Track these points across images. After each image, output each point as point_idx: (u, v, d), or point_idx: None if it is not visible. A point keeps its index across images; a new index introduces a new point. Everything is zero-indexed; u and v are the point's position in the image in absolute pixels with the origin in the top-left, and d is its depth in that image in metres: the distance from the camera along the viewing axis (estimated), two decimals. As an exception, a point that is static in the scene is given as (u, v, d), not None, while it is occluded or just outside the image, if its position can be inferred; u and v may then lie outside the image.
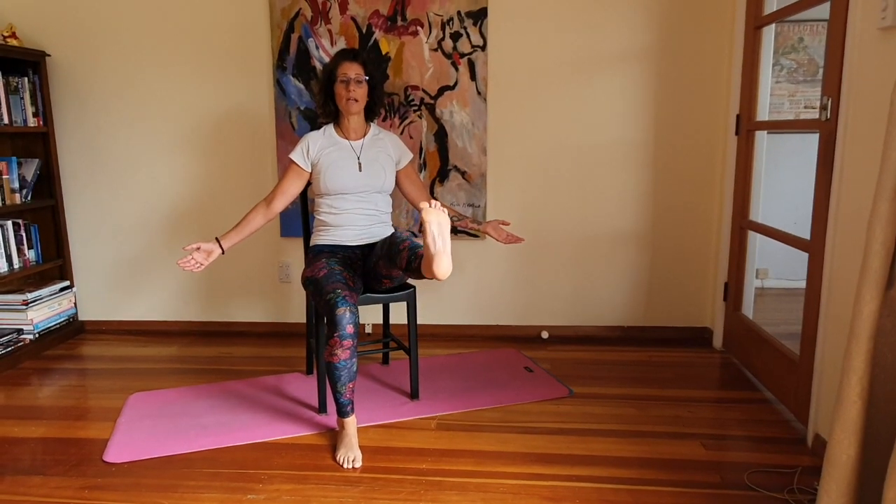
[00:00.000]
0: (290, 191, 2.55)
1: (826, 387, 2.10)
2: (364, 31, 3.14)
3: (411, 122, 3.20)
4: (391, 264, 2.28)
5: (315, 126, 3.21)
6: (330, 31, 3.15)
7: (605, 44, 3.11)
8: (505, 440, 2.28)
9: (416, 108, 3.18)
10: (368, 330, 3.44)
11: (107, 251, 3.49)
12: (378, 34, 3.14)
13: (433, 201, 2.03)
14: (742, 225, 2.92)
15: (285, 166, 2.54)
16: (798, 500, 1.90)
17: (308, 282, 2.35)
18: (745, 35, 2.85)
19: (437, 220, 1.98)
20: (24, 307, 3.15)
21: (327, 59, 3.15)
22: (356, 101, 2.48)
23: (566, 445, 2.24)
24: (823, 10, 3.96)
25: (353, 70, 2.47)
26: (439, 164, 3.23)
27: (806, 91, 4.23)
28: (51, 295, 3.32)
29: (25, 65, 3.19)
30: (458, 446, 2.24)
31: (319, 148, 2.52)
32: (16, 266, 3.19)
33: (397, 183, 2.66)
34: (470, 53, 3.13)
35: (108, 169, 3.40)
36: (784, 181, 4.34)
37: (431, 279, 2.09)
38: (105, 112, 3.34)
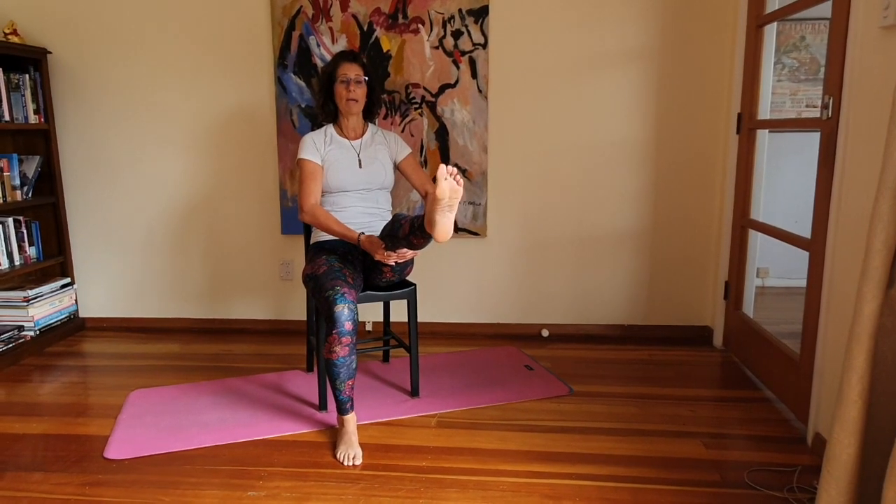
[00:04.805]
0: (320, 185, 2.52)
1: (826, 386, 2.10)
2: (365, 28, 3.14)
3: (412, 119, 3.20)
4: (393, 243, 2.24)
5: (316, 124, 3.21)
6: (331, 28, 3.15)
7: (606, 42, 3.10)
8: (505, 438, 2.28)
9: (417, 105, 3.18)
10: (369, 328, 3.44)
11: (108, 248, 3.49)
12: (379, 32, 3.13)
13: (451, 168, 1.97)
14: (743, 224, 2.92)
15: (301, 168, 2.51)
16: (798, 499, 1.90)
17: (308, 279, 2.35)
18: (746, 33, 2.85)
19: (449, 187, 1.96)
20: (26, 304, 3.15)
21: (328, 57, 3.15)
22: (356, 101, 2.51)
23: (566, 443, 2.24)
24: (825, 9, 3.96)
25: (352, 71, 2.49)
26: (440, 162, 3.22)
27: (807, 90, 4.23)
28: (52, 292, 3.32)
29: (26, 62, 3.19)
30: (458, 444, 2.24)
31: (324, 145, 2.54)
32: (17, 263, 3.19)
33: (402, 174, 2.69)
34: (471, 51, 3.13)
35: (109, 166, 3.40)
36: (785, 180, 4.33)
37: (431, 237, 2.06)
38: (106, 109, 3.34)
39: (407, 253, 2.28)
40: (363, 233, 2.38)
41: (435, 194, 1.96)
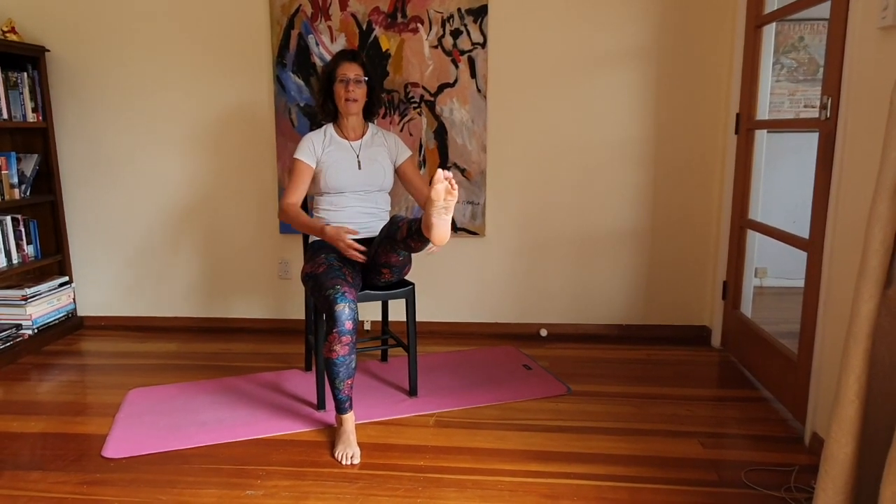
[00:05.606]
0: (304, 187, 2.54)
1: (824, 385, 2.11)
2: (364, 27, 3.14)
3: (411, 119, 3.20)
4: (391, 245, 2.25)
5: (315, 123, 3.21)
6: (330, 27, 3.14)
7: (605, 42, 3.10)
8: (503, 437, 2.28)
9: (416, 105, 3.18)
10: (367, 327, 3.44)
11: (106, 247, 3.49)
12: (378, 31, 3.13)
13: (447, 173, 1.98)
14: (741, 224, 2.92)
15: (293, 167, 2.52)
16: (795, 499, 1.90)
17: (307, 278, 2.35)
18: (745, 34, 2.85)
19: (444, 189, 1.97)
20: (23, 303, 3.14)
21: (327, 56, 3.15)
22: (355, 100, 2.50)
23: (564, 443, 2.24)
24: (824, 10, 3.96)
25: (352, 70, 2.49)
26: (439, 162, 3.22)
27: (806, 90, 4.23)
28: (50, 290, 3.31)
29: (25, 60, 3.19)
30: (456, 443, 2.24)
31: (323, 146, 2.53)
32: (15, 261, 3.19)
33: (400, 178, 2.69)
34: (470, 51, 3.13)
35: (107, 164, 3.39)
36: (783, 180, 4.34)
37: (429, 241, 2.07)
38: (104, 107, 3.34)
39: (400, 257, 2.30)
40: (328, 223, 2.36)
41: (430, 196, 1.97)
